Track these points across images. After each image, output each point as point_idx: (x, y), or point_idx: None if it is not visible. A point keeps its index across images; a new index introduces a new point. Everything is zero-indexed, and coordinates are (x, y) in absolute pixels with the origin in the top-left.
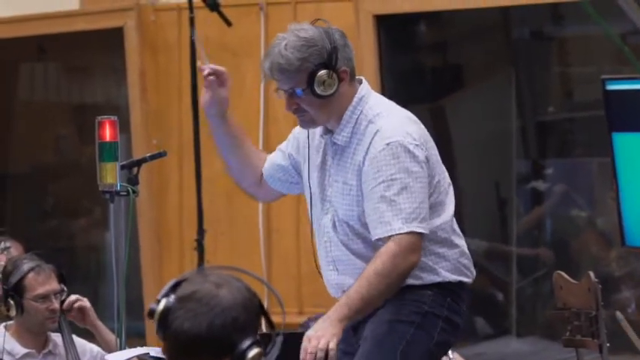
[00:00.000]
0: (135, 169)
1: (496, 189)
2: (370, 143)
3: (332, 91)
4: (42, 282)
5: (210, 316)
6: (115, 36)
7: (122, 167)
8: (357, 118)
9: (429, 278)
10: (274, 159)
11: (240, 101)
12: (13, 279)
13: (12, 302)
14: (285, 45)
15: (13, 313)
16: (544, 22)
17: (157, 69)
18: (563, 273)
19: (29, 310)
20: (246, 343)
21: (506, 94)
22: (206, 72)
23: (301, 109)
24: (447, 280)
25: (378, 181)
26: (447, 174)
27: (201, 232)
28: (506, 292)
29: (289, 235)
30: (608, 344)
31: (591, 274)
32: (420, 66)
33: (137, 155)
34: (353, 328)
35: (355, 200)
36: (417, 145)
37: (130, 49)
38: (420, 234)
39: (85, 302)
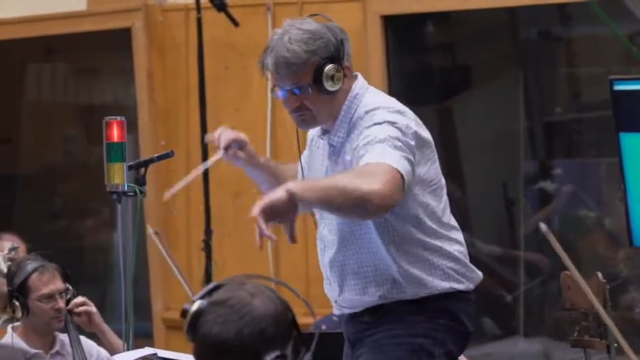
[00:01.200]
0: (142, 170)
1: (504, 189)
2: (361, 132)
3: (338, 87)
4: (46, 282)
5: (239, 324)
6: (123, 36)
7: (130, 168)
8: (351, 118)
9: (420, 292)
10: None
11: (247, 102)
12: (17, 280)
13: (17, 303)
14: (289, 39)
15: (18, 314)
16: (552, 23)
17: (165, 69)
18: (570, 273)
19: (35, 310)
20: (272, 355)
21: (514, 95)
22: (222, 145)
23: (302, 108)
24: (436, 288)
25: (362, 138)
26: (441, 175)
27: (208, 232)
28: (513, 292)
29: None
30: (616, 344)
31: (599, 274)
32: (427, 67)
33: (145, 156)
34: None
35: None
36: (397, 111)
37: (137, 49)
38: (403, 180)
39: (91, 307)
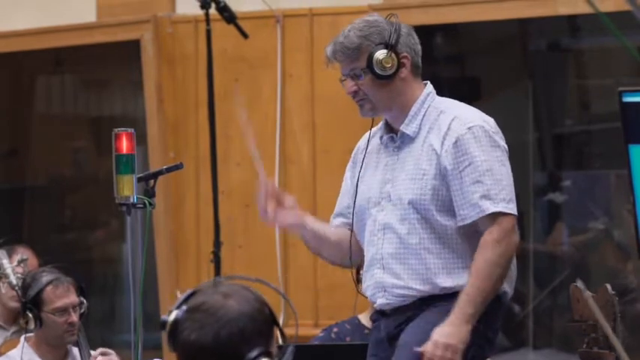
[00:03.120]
0: (152, 182)
1: None
2: (449, 128)
3: (391, 72)
4: (60, 295)
5: (216, 327)
6: (132, 48)
7: (139, 180)
8: (426, 111)
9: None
10: (343, 213)
11: (256, 113)
12: (32, 292)
13: (30, 315)
14: (350, 28)
15: (31, 325)
16: (561, 34)
17: (174, 81)
18: (580, 285)
19: (48, 323)
20: (254, 353)
21: (523, 107)
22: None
23: (360, 93)
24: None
25: (464, 164)
26: None
27: (217, 244)
28: (523, 304)
29: (306, 249)
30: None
31: (608, 286)
32: (436, 78)
33: (154, 167)
34: (388, 339)
35: (430, 184)
36: (495, 132)
37: (146, 61)
38: (511, 215)
39: (112, 355)
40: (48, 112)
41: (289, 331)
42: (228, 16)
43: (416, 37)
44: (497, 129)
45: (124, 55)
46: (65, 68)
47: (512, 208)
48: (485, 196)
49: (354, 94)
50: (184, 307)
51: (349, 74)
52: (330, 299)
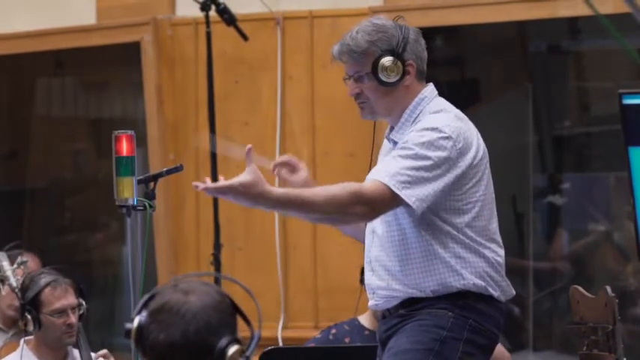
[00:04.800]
0: (152, 184)
1: (513, 203)
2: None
3: (394, 80)
4: (58, 296)
5: (182, 324)
6: (132, 50)
7: (139, 182)
8: (416, 118)
9: (454, 283)
10: None
11: (256, 115)
12: (30, 294)
13: (29, 317)
14: (357, 30)
15: (30, 327)
16: (561, 37)
17: (174, 83)
18: (579, 287)
19: (46, 324)
20: (224, 342)
21: (523, 109)
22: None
23: (362, 96)
24: (472, 283)
25: (399, 146)
26: (491, 189)
27: (217, 246)
28: (522, 306)
29: (306, 251)
30: (625, 359)
31: (608, 288)
32: (436, 81)
33: (154, 170)
34: (381, 343)
35: None
36: (447, 137)
37: (146, 63)
38: (393, 195)
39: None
40: (48, 114)
41: (289, 334)
42: (228, 18)
43: (423, 42)
44: (458, 136)
45: (124, 58)
46: (65, 70)
47: (404, 193)
48: (387, 169)
49: (356, 96)
50: (145, 312)
51: (353, 76)
52: (330, 301)
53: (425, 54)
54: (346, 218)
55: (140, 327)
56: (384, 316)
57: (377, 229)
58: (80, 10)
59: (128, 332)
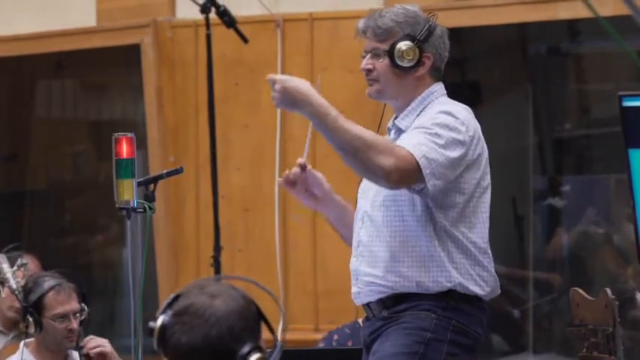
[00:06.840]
0: (152, 186)
1: (513, 205)
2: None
3: (407, 65)
4: (62, 301)
5: (205, 327)
6: (132, 53)
7: (139, 184)
8: (424, 108)
9: (441, 280)
10: None
11: (256, 118)
12: (33, 296)
13: (31, 320)
14: (389, 10)
15: (31, 330)
16: (561, 39)
17: (174, 85)
18: (579, 289)
19: (48, 328)
20: (246, 349)
21: (523, 111)
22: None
23: (373, 74)
24: (458, 282)
25: (415, 125)
26: (488, 195)
27: (217, 248)
28: (522, 308)
29: (306, 253)
30: None
31: (608, 290)
32: None
33: (154, 172)
34: (366, 346)
35: None
36: (461, 122)
37: (146, 65)
38: (417, 164)
39: (106, 347)
40: (48, 116)
41: (289, 336)
42: (228, 20)
43: (448, 43)
44: (470, 127)
45: (124, 60)
46: (65, 72)
47: (420, 160)
48: (409, 143)
49: (368, 72)
50: (170, 312)
51: (370, 52)
52: (330, 303)
53: (446, 54)
54: (369, 165)
55: (163, 327)
56: (368, 318)
57: (374, 214)
58: (80, 12)
59: (151, 330)
